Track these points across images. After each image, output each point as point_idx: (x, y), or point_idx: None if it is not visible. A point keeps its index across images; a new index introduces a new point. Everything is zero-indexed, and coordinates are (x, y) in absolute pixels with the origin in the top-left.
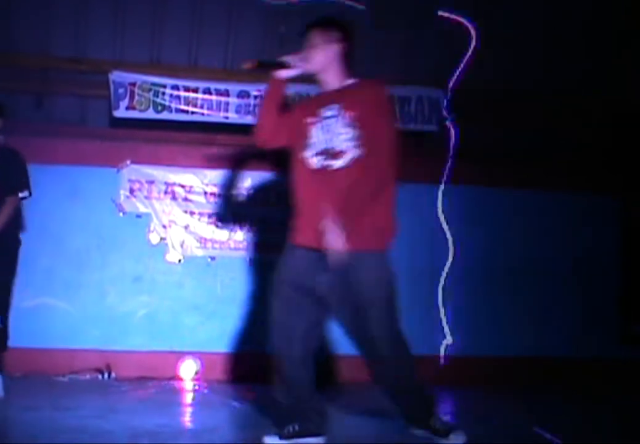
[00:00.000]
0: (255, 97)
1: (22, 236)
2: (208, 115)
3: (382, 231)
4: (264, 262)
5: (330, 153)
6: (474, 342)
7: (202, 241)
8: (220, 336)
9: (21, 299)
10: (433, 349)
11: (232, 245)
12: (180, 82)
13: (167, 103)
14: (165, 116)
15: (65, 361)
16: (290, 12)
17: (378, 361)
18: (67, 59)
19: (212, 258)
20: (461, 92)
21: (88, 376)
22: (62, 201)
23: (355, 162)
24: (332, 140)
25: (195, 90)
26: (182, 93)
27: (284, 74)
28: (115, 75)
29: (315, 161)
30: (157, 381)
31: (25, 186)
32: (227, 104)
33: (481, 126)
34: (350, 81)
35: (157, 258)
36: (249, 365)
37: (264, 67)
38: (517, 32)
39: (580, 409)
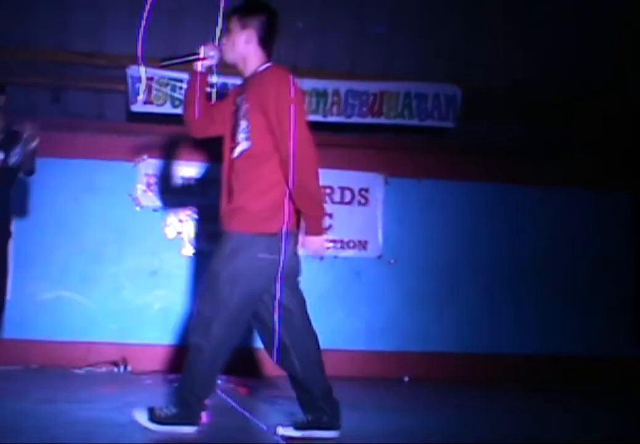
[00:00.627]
0: None
1: (38, 229)
2: None
3: (252, 216)
4: None
5: (235, 143)
6: (488, 340)
7: (217, 236)
8: None
9: (38, 292)
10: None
11: None
12: None
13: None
14: (182, 110)
15: (81, 353)
16: (307, 7)
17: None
18: (84, 53)
19: None
20: (482, 90)
21: (104, 369)
22: (79, 194)
23: (242, 153)
24: (237, 131)
25: (212, 85)
26: None
27: (201, 65)
28: (133, 70)
29: (230, 149)
30: (172, 374)
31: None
32: None
33: (498, 124)
34: (260, 68)
35: (173, 252)
36: (264, 360)
37: (180, 62)
38: (541, 34)
39: (594, 407)
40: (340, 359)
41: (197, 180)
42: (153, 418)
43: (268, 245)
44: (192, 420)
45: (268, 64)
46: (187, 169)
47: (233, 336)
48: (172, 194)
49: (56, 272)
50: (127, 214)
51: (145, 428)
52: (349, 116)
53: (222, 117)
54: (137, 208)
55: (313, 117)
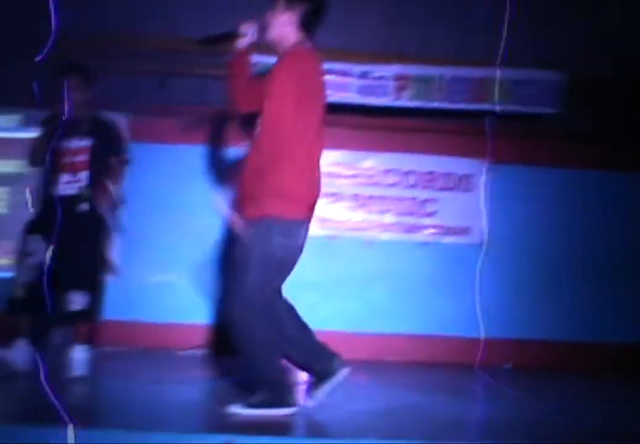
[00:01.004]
0: (377, 77)
1: (145, 214)
2: (330, 95)
3: (266, 201)
4: (384, 243)
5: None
6: (588, 329)
7: (322, 220)
8: (338, 315)
9: (144, 275)
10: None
11: (352, 225)
12: None
13: None
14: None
15: (187, 336)
16: None
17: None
18: (190, 40)
19: (332, 238)
20: (587, 77)
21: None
22: (185, 180)
23: (256, 137)
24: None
25: None
26: None
27: (241, 44)
28: None
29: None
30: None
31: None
32: (348, 84)
33: (602, 111)
34: (287, 49)
35: None
36: (367, 344)
37: (220, 40)
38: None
39: None
40: (440, 345)
41: None
42: (247, 404)
43: (283, 229)
44: (285, 402)
45: (295, 46)
46: None
47: (269, 318)
48: None
49: (163, 256)
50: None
51: (242, 414)
52: (452, 102)
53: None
54: None
55: (417, 103)
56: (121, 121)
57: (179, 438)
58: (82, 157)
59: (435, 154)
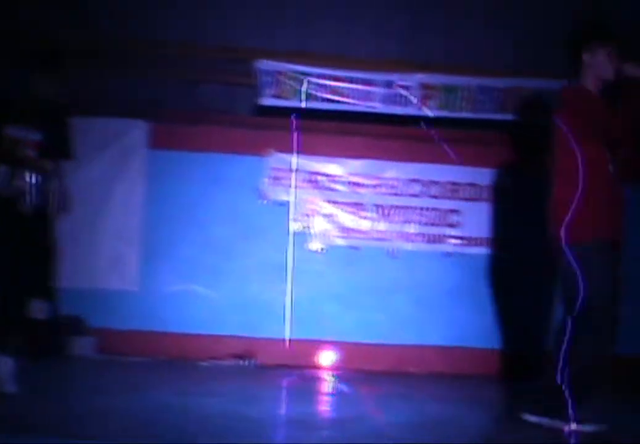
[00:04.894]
0: (400, 87)
1: (167, 222)
2: (353, 104)
3: (567, 228)
4: (407, 254)
5: None
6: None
7: (345, 230)
8: (362, 326)
9: (167, 285)
10: None
11: (375, 235)
12: (326, 71)
13: (312, 92)
14: (310, 104)
15: (208, 346)
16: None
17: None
18: (216, 47)
19: (355, 248)
20: None
21: (230, 362)
22: (208, 188)
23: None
24: None
25: (341, 80)
26: (328, 82)
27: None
28: (262, 64)
29: None
30: (297, 369)
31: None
32: (372, 93)
33: None
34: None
35: (299, 247)
36: (391, 355)
37: None
38: None
39: None
40: (464, 357)
41: (324, 175)
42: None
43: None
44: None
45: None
46: (316, 164)
47: None
48: (297, 188)
49: (184, 265)
50: (253, 208)
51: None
52: (477, 112)
53: None
54: (264, 202)
55: (442, 113)
56: (142, 127)
57: None
58: (29, 152)
59: (459, 165)
